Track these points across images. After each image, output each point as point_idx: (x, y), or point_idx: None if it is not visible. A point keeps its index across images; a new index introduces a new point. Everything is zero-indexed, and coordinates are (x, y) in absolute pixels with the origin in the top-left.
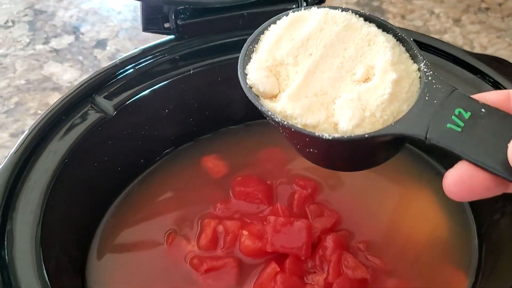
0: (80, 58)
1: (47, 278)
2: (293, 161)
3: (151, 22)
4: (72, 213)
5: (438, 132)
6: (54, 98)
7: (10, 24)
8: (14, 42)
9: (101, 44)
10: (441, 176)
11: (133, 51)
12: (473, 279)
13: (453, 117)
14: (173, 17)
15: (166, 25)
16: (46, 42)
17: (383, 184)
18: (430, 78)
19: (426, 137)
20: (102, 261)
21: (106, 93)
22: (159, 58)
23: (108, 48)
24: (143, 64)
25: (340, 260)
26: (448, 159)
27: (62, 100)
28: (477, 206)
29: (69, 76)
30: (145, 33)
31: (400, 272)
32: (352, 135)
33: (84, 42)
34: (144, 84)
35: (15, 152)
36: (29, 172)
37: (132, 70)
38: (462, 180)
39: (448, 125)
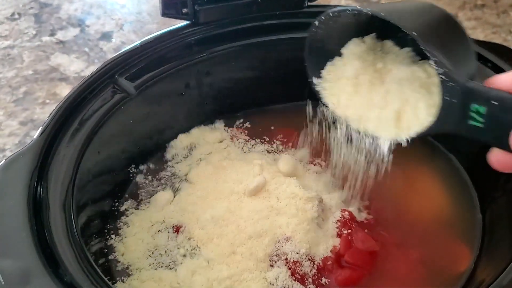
0: (86, 49)
1: (78, 239)
2: None
3: (169, 7)
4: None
5: (464, 128)
6: (61, 88)
7: (16, 16)
8: (21, 34)
9: (106, 36)
10: (445, 157)
11: (152, 34)
12: (477, 253)
13: (471, 114)
14: (191, 2)
15: (184, 10)
16: (52, 34)
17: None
18: (443, 76)
19: (456, 132)
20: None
21: (127, 74)
22: (177, 42)
23: (113, 40)
24: (163, 47)
25: (350, 234)
26: (451, 142)
27: (86, 81)
28: (480, 185)
29: (76, 67)
30: (149, 26)
31: (408, 245)
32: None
33: (90, 34)
34: (163, 67)
35: (45, 128)
36: (58, 146)
37: (152, 53)
38: (503, 161)
39: (471, 122)
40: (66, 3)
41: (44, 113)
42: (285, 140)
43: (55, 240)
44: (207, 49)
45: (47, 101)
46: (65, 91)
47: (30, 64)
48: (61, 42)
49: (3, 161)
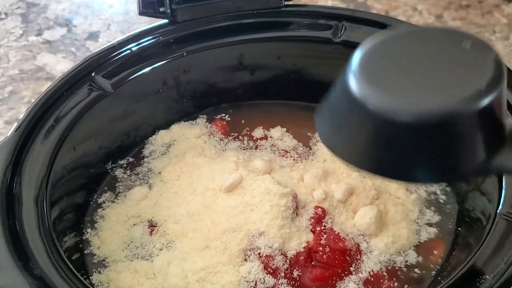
0: (73, 49)
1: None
2: None
3: (147, 6)
4: (72, 180)
5: None
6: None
7: (3, 16)
8: (7, 34)
9: (93, 36)
10: None
11: (129, 33)
12: (450, 243)
13: None
14: (167, 1)
15: (161, 9)
16: (39, 34)
17: None
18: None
19: None
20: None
21: (104, 72)
22: (154, 41)
23: (100, 40)
24: (139, 46)
25: (323, 230)
26: None
27: (63, 78)
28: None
29: (62, 67)
30: (136, 26)
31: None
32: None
33: (77, 34)
34: (140, 65)
35: (20, 124)
36: (33, 142)
37: (128, 51)
38: None
39: None
40: (54, 3)
41: None
42: (264, 135)
43: (26, 234)
44: (184, 47)
45: (33, 100)
46: None
47: (16, 64)
48: (48, 42)
49: None
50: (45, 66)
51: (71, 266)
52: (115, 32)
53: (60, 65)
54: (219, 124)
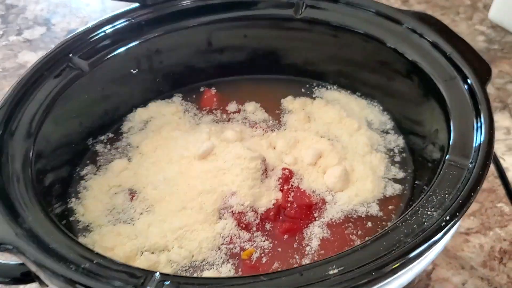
0: (53, 47)
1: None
2: None
3: None
4: (56, 155)
5: None
6: None
7: None
8: None
9: (72, 33)
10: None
11: (103, 17)
12: (410, 196)
13: None
14: None
15: None
16: (19, 33)
17: None
18: None
19: None
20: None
21: (81, 53)
22: (127, 23)
23: None
24: (113, 28)
25: (290, 189)
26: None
27: (42, 60)
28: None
29: None
30: None
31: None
32: None
33: (56, 32)
34: (115, 46)
35: (4, 103)
36: (16, 119)
37: (103, 33)
38: None
39: None
40: (32, 3)
41: None
42: (237, 109)
43: (14, 195)
44: (155, 29)
45: None
46: None
47: None
48: (28, 40)
49: None
50: (26, 64)
51: (55, 219)
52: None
53: None
54: (207, 96)
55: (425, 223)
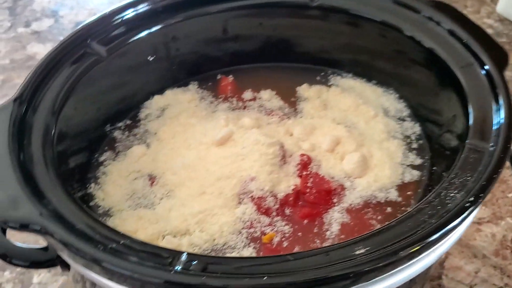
0: (61, 38)
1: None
2: None
3: None
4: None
5: None
6: None
7: None
8: None
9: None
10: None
11: (119, 4)
12: (427, 182)
13: None
14: None
15: None
16: (27, 25)
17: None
18: None
19: None
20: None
21: (99, 39)
22: (144, 10)
23: None
24: (130, 15)
25: (308, 175)
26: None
27: (60, 45)
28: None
29: None
30: None
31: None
32: None
33: (64, 24)
34: (132, 33)
35: (25, 87)
36: (37, 102)
37: (120, 20)
38: None
39: None
40: None
41: None
42: (253, 97)
43: (39, 178)
44: (171, 16)
45: None
46: None
47: (6, 54)
48: (36, 32)
49: None
50: (35, 55)
51: (80, 203)
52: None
53: None
54: (224, 83)
55: (449, 205)
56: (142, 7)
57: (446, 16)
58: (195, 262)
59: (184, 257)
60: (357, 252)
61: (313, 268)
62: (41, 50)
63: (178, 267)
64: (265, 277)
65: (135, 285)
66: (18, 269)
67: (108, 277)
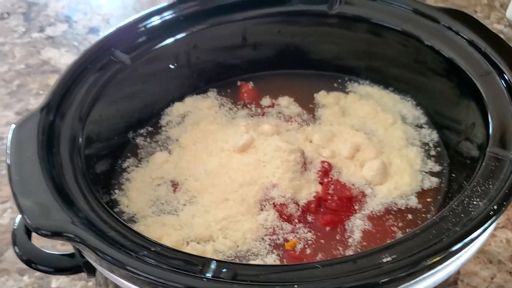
0: (75, 43)
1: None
2: None
3: None
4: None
5: None
6: (53, 80)
7: (5, 16)
8: (11, 32)
9: (94, 30)
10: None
11: (143, 12)
12: (447, 189)
13: None
14: None
15: None
16: (41, 30)
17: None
18: None
19: None
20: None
21: (122, 47)
22: (166, 19)
23: (101, 34)
24: (153, 23)
25: (329, 182)
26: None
27: (85, 53)
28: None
29: (67, 60)
30: None
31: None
32: None
33: (78, 29)
34: (154, 41)
35: (51, 95)
36: (64, 109)
37: (143, 28)
38: None
39: None
40: (53, 1)
41: (38, 103)
42: (271, 103)
43: (68, 185)
44: (192, 25)
45: (41, 92)
46: None
47: (21, 59)
48: (51, 37)
49: (18, 121)
50: (49, 60)
51: (110, 210)
52: (115, 26)
53: (64, 59)
54: (245, 89)
55: (472, 213)
56: (164, 16)
57: (465, 25)
58: (224, 270)
59: (213, 265)
60: (384, 260)
61: (342, 275)
62: (55, 55)
63: (209, 274)
64: (295, 285)
65: None
66: (37, 273)
67: (138, 284)
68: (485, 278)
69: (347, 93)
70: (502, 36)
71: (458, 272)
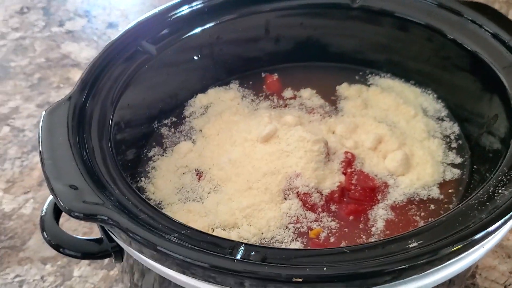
0: (95, 38)
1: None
2: None
3: None
4: (127, 135)
5: None
6: (74, 73)
7: (25, 10)
8: (31, 26)
9: (113, 25)
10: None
11: (167, 4)
12: (468, 181)
13: None
14: None
15: None
16: (61, 25)
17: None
18: None
19: None
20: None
21: (148, 38)
22: (190, 10)
23: (120, 29)
24: (177, 14)
25: (353, 172)
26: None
27: (112, 44)
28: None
29: (86, 54)
30: None
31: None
32: None
33: (97, 24)
34: (180, 32)
35: (81, 83)
36: (94, 97)
37: (168, 20)
38: None
39: None
40: None
41: (59, 96)
42: (293, 95)
43: (99, 170)
44: (216, 16)
45: (61, 85)
46: (78, 75)
47: (42, 53)
48: (70, 32)
49: (48, 108)
50: (69, 54)
51: (139, 194)
52: (133, 21)
53: (84, 53)
54: (269, 81)
55: (498, 201)
56: (189, 7)
57: (488, 18)
58: (253, 253)
59: (242, 247)
60: (411, 245)
61: (370, 259)
62: (75, 49)
63: (239, 256)
64: (325, 268)
65: (196, 273)
66: (59, 262)
67: (167, 264)
68: (503, 272)
69: (368, 85)
70: None
71: (476, 266)
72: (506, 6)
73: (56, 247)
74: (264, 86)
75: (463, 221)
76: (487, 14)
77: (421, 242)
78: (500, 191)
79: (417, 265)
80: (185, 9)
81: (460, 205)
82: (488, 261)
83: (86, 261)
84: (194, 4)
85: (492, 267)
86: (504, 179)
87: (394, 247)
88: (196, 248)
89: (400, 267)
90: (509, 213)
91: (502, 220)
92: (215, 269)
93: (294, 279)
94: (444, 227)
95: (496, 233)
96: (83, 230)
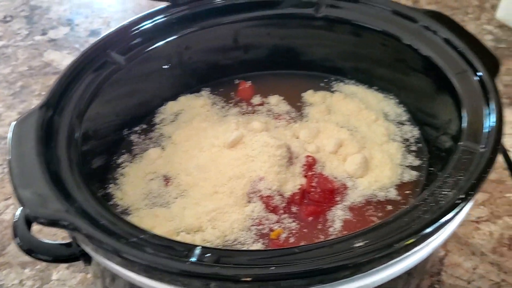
0: (77, 46)
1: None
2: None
3: None
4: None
5: None
6: None
7: (8, 19)
8: (14, 35)
9: (95, 33)
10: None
11: (137, 15)
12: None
13: None
14: None
15: None
16: (44, 33)
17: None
18: None
19: None
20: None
21: (117, 49)
22: (159, 21)
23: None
24: (146, 26)
25: (313, 175)
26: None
27: (82, 55)
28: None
29: (68, 62)
30: None
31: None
32: None
33: (79, 32)
34: (148, 43)
35: (50, 94)
36: (62, 107)
37: (137, 31)
38: None
39: None
40: (55, 4)
41: None
42: (261, 102)
43: (64, 178)
44: (184, 27)
45: (43, 93)
46: None
47: (24, 61)
48: (53, 40)
49: (18, 118)
50: (52, 62)
51: (102, 201)
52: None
53: (66, 61)
54: (242, 87)
55: (442, 202)
56: (158, 19)
57: (442, 25)
58: (208, 255)
59: (198, 250)
60: (357, 245)
61: (316, 259)
62: (57, 57)
63: (193, 259)
64: (273, 267)
65: (154, 275)
66: (38, 266)
67: (128, 268)
68: (467, 269)
69: (333, 92)
70: (491, 36)
71: (442, 263)
72: (478, 11)
73: (28, 252)
74: (233, 93)
75: (408, 222)
76: (441, 21)
77: (366, 241)
78: (445, 192)
79: (360, 264)
80: (154, 20)
81: (407, 206)
82: (454, 258)
83: (65, 265)
84: (163, 15)
85: (457, 264)
86: (450, 181)
87: (341, 247)
88: (152, 251)
89: (344, 265)
90: (451, 213)
91: (443, 220)
92: (168, 271)
93: (243, 279)
94: (390, 227)
95: (440, 231)
96: (62, 235)
